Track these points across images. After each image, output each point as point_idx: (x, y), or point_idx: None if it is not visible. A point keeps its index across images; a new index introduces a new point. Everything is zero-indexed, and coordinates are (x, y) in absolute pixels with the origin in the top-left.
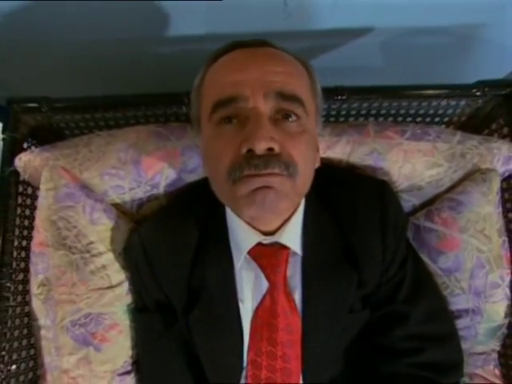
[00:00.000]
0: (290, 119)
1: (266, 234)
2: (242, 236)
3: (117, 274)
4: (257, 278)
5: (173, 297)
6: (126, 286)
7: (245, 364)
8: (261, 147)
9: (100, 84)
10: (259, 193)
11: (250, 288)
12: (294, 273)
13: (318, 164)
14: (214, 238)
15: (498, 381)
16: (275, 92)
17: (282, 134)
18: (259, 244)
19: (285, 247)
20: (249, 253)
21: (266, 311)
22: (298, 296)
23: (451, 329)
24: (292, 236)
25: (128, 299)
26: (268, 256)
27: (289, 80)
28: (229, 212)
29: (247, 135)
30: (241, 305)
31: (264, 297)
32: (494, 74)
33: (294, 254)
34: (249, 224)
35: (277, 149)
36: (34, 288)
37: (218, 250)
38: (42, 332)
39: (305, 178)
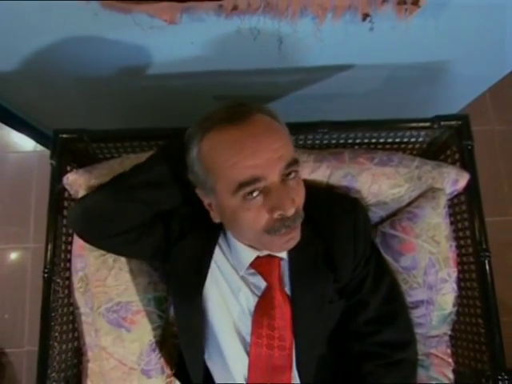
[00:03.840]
0: (291, 176)
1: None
2: (245, 253)
3: (138, 271)
4: (256, 280)
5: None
6: (146, 279)
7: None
8: (292, 212)
9: (127, 115)
10: (288, 243)
11: (253, 287)
12: (283, 274)
13: None
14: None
15: (449, 358)
16: (284, 165)
17: (291, 191)
18: (257, 257)
19: (275, 256)
20: (250, 264)
21: (265, 304)
22: (287, 291)
23: (400, 309)
24: None
25: (149, 290)
26: (264, 264)
27: (287, 148)
28: (231, 237)
29: (277, 205)
30: (243, 287)
31: (264, 293)
32: (458, 102)
33: (283, 259)
34: (250, 246)
35: (296, 206)
36: (75, 283)
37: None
38: (83, 318)
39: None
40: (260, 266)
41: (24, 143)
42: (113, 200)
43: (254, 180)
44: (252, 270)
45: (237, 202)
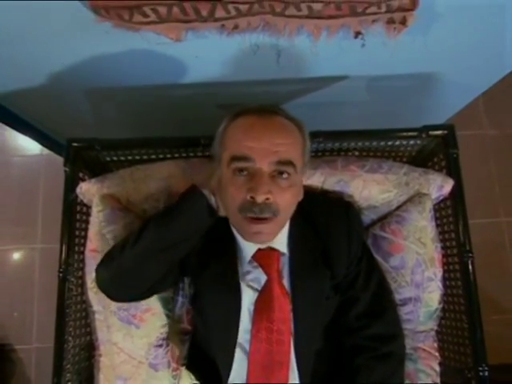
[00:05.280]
0: (283, 176)
1: None
2: (246, 246)
3: None
4: (258, 272)
5: (187, 263)
6: None
7: (241, 323)
8: (261, 198)
9: (134, 125)
10: (256, 235)
11: (253, 280)
12: (283, 268)
13: (300, 197)
14: (223, 237)
15: (435, 352)
16: (276, 161)
17: (275, 187)
18: (258, 249)
19: (276, 249)
20: (251, 256)
21: (265, 296)
22: (287, 285)
23: (388, 305)
24: (281, 242)
25: None
26: (265, 257)
27: (288, 149)
28: (236, 235)
29: (253, 187)
30: (244, 288)
31: (264, 285)
32: (451, 109)
33: (283, 254)
34: None
35: (271, 199)
36: (88, 282)
37: (225, 244)
38: (96, 315)
39: (286, 215)
40: (261, 258)
41: (30, 147)
42: (137, 267)
43: (243, 157)
44: (254, 264)
45: (228, 174)
